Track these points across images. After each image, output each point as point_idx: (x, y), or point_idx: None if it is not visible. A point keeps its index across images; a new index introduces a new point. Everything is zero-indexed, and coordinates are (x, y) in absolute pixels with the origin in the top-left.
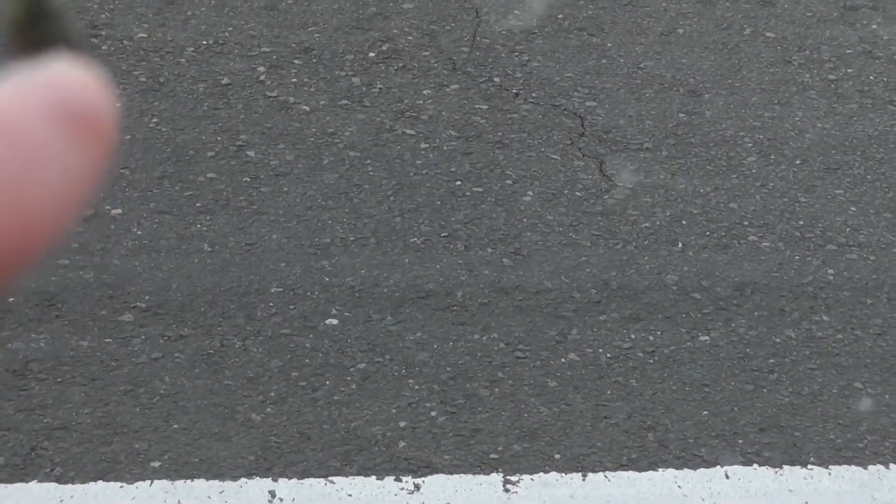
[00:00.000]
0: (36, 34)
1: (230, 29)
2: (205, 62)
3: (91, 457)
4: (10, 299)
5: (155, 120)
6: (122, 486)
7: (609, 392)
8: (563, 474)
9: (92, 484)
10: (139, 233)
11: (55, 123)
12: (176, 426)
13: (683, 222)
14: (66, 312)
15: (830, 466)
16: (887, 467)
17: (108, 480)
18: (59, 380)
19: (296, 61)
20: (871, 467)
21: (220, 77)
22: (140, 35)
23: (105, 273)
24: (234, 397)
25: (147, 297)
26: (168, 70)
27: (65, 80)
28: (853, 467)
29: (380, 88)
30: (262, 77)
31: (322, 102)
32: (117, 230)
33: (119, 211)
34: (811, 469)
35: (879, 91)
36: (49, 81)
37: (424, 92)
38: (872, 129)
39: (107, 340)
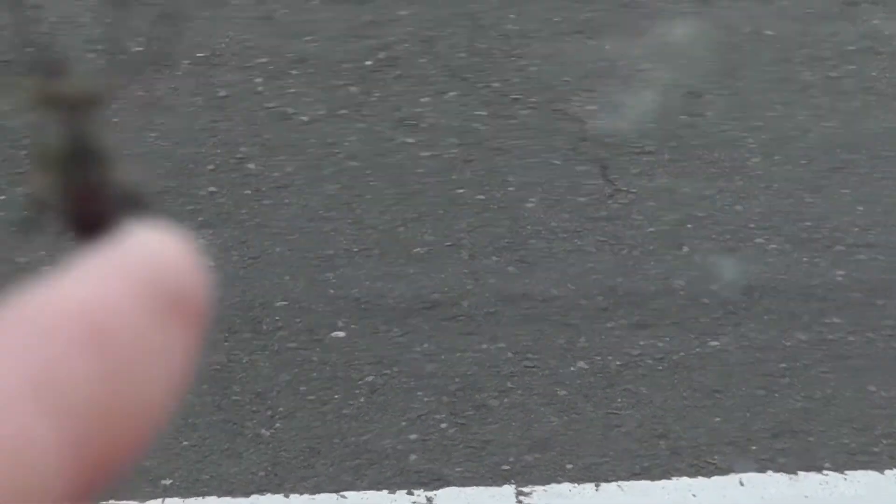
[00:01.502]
0: (79, 182)
1: (226, 40)
2: (201, 74)
3: None
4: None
5: (154, 134)
6: None
7: (619, 400)
8: (576, 484)
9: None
10: None
11: (150, 312)
12: (185, 443)
13: (689, 226)
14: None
15: (846, 471)
16: None
17: (119, 499)
18: None
19: (293, 71)
20: (887, 472)
21: (218, 89)
22: (136, 49)
23: None
24: (243, 413)
25: None
26: (165, 84)
27: (153, 255)
28: (869, 472)
29: (378, 97)
30: (260, 88)
31: (321, 112)
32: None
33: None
34: (826, 475)
35: (883, 87)
36: (136, 259)
37: (423, 99)
38: (877, 127)
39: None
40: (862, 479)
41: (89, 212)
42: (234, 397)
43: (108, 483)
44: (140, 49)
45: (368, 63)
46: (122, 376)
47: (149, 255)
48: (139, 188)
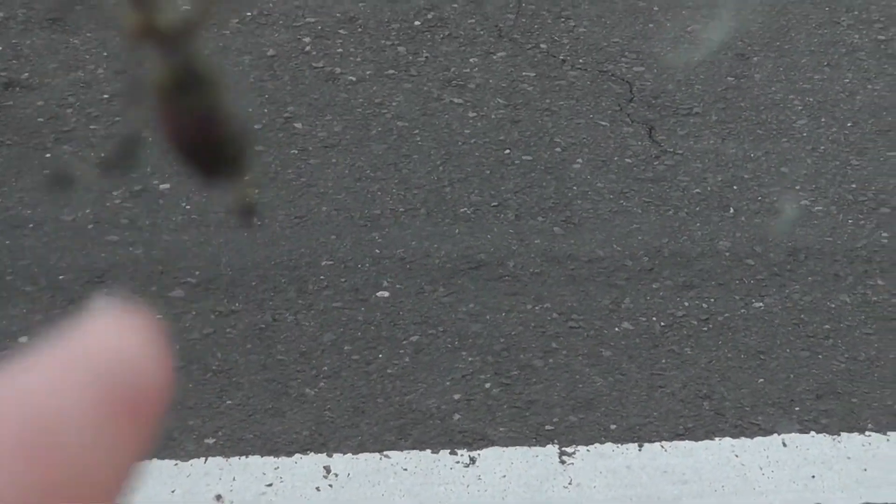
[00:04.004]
0: (186, 106)
1: (274, 0)
2: (250, 34)
3: None
4: None
5: None
6: (176, 464)
7: (664, 361)
8: (619, 445)
9: (146, 462)
10: (188, 207)
11: (100, 408)
12: (229, 402)
13: (735, 187)
14: (116, 289)
15: (888, 433)
16: None
17: (163, 458)
18: None
19: (341, 31)
20: None
21: (266, 49)
22: (184, 7)
23: (154, 248)
24: (287, 372)
25: (197, 273)
26: (213, 42)
27: (109, 345)
28: None
29: (426, 57)
30: (308, 48)
31: (368, 72)
32: (166, 205)
33: (167, 186)
34: (869, 436)
35: None
36: (90, 349)
37: (471, 60)
38: None
39: (158, 317)
40: None
41: (201, 138)
42: (279, 356)
43: None
44: None
45: (417, 23)
46: (64, 478)
47: (104, 346)
48: (241, 114)
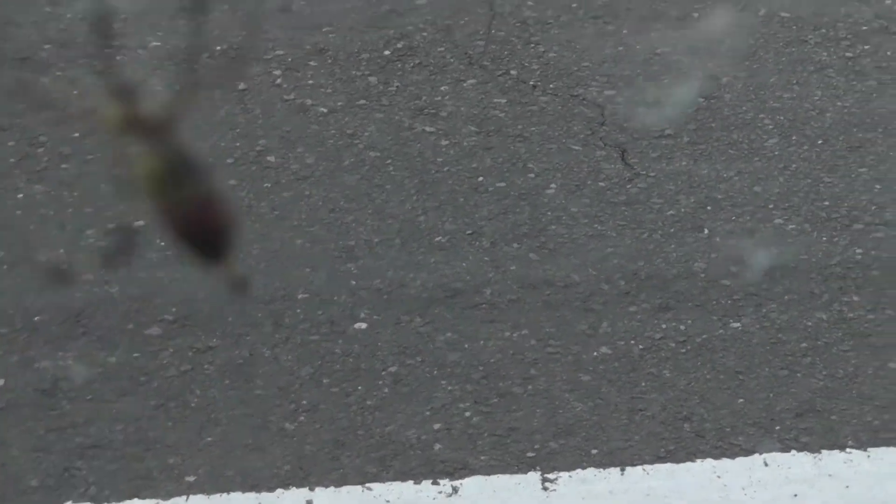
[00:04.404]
0: (182, 195)
1: (244, 33)
2: (220, 68)
3: (125, 474)
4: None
5: None
6: None
7: (643, 384)
8: (601, 469)
9: (127, 502)
10: (163, 244)
11: None
12: (209, 439)
13: (708, 208)
14: (92, 328)
15: (869, 449)
16: None
17: (144, 498)
18: (90, 397)
19: (311, 63)
20: None
21: (236, 82)
22: (154, 43)
23: (130, 286)
24: (266, 407)
25: (174, 309)
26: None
27: None
28: (892, 448)
29: (397, 86)
30: (279, 80)
31: (340, 103)
32: (141, 242)
33: (141, 222)
34: (850, 452)
35: None
36: None
37: (442, 88)
38: (893, 105)
39: (135, 355)
40: (885, 457)
41: (201, 223)
42: (257, 391)
43: None
44: (209, 58)
45: (387, 53)
46: None
47: None
48: (228, 193)
